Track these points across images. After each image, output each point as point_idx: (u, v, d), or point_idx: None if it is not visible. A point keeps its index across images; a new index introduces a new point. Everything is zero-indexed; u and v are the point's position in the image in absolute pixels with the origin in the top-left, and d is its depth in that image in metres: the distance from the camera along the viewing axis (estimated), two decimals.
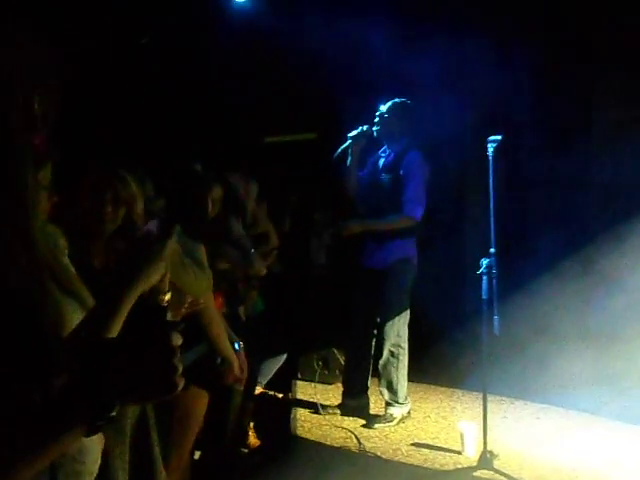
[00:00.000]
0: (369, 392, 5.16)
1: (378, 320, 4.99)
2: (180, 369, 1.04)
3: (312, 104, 5.93)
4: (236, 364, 3.23)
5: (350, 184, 5.08)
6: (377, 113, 4.97)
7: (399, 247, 4.91)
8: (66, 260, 1.40)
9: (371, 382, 5.14)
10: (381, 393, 5.04)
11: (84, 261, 1.92)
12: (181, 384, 1.05)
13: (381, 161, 5.03)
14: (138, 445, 2.15)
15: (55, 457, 1.07)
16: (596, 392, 5.05)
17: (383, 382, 5.01)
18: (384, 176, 4.94)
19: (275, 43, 5.71)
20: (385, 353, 4.97)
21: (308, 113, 5.93)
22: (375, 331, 5.03)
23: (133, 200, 2.27)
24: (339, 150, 5.05)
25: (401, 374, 4.97)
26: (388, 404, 4.99)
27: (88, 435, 1.02)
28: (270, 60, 5.92)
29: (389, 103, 4.95)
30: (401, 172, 4.85)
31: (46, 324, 1.15)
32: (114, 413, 1.01)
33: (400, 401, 4.96)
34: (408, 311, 4.97)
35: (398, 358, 4.96)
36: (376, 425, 4.88)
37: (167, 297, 1.84)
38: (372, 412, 5.07)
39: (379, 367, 5.01)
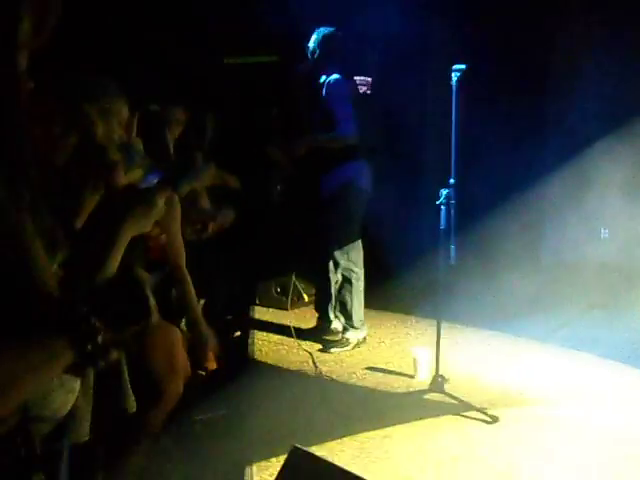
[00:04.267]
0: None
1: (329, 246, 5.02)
2: (151, 299, 1.21)
3: (274, 26, 5.79)
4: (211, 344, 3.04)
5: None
6: (308, 45, 4.93)
7: (340, 173, 4.91)
8: None
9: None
10: (337, 317, 5.13)
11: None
12: (155, 312, 1.21)
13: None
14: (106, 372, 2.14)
15: (49, 380, 1.26)
16: (545, 320, 5.23)
17: (338, 306, 5.10)
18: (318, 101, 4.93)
19: None
20: (339, 277, 5.04)
21: (269, 35, 5.79)
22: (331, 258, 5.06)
23: (89, 123, 2.12)
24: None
25: (355, 298, 5.04)
26: (344, 328, 5.08)
27: (82, 362, 1.14)
28: None
29: (315, 35, 4.90)
30: (324, 97, 4.84)
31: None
32: (99, 339, 1.14)
33: (355, 325, 5.05)
34: (359, 235, 5.01)
35: (351, 282, 5.02)
36: (332, 349, 4.98)
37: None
38: (328, 337, 5.16)
39: (334, 291, 5.09)
